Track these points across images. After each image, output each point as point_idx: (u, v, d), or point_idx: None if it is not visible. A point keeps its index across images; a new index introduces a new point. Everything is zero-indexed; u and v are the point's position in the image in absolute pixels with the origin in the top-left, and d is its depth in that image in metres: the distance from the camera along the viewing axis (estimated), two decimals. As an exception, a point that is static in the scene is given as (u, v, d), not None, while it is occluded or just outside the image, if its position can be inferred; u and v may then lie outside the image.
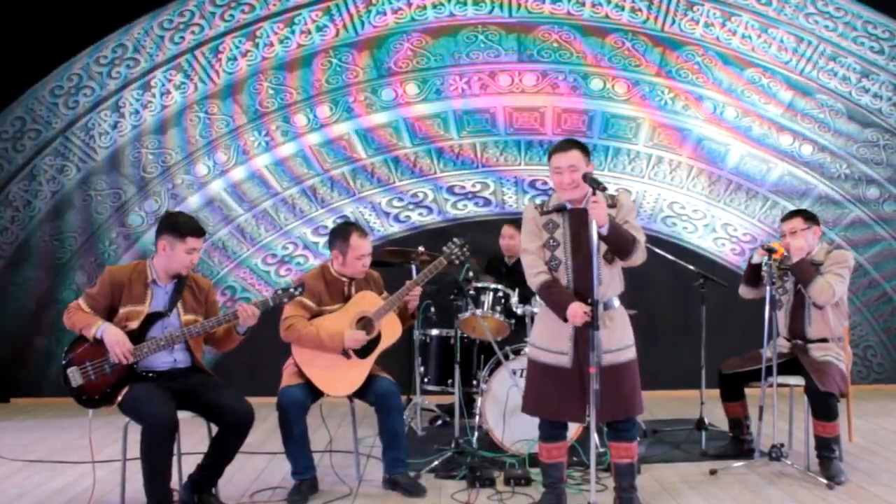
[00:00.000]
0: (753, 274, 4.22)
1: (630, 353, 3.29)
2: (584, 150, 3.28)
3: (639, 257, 3.25)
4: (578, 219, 3.22)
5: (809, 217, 4.16)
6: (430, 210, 6.42)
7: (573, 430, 3.92)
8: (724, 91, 6.44)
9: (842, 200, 6.53)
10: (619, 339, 3.26)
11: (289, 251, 6.38)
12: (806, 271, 4.01)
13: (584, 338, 3.15)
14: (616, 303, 3.31)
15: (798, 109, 6.47)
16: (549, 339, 3.30)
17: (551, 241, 3.29)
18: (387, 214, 6.38)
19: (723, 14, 6.40)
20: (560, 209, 3.29)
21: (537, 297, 4.33)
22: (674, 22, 6.38)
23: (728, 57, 6.43)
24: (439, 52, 6.32)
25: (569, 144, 3.28)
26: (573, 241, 3.25)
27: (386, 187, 6.38)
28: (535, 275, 3.30)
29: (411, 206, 6.39)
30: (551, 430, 3.37)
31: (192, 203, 6.31)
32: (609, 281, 3.26)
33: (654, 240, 3.95)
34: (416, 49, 6.31)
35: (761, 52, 6.42)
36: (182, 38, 6.28)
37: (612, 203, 3.27)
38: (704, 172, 6.48)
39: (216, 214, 6.35)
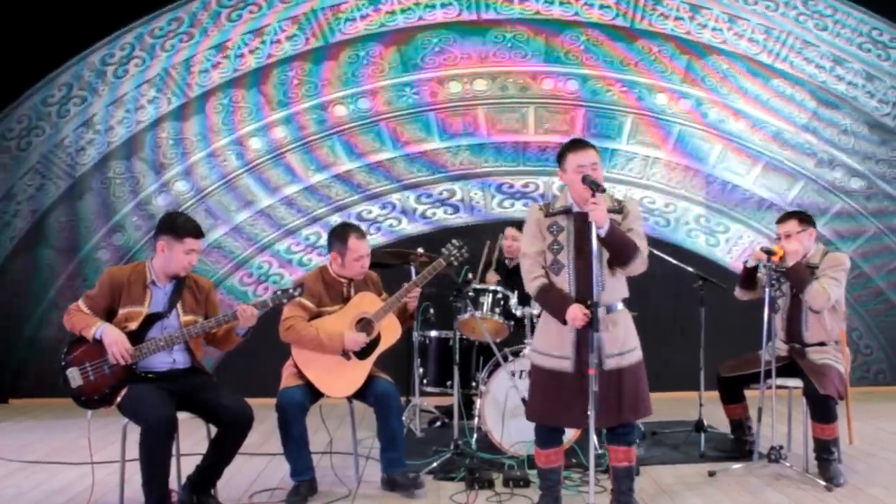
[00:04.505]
0: (748, 277, 4.21)
1: (633, 357, 3.25)
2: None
3: (638, 266, 3.21)
4: (583, 222, 3.15)
5: (805, 219, 4.14)
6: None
7: (571, 431, 3.92)
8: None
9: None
10: (622, 343, 3.22)
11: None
12: (801, 276, 3.99)
13: (586, 342, 3.11)
14: (620, 306, 3.27)
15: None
16: (551, 343, 3.25)
17: (555, 244, 3.24)
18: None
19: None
20: (566, 211, 3.24)
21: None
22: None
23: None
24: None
25: (587, 143, 3.26)
26: (577, 245, 3.19)
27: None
28: (532, 280, 3.27)
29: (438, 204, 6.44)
30: (549, 436, 3.34)
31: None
32: (613, 286, 3.22)
33: (653, 242, 3.94)
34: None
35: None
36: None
37: (620, 209, 3.24)
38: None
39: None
